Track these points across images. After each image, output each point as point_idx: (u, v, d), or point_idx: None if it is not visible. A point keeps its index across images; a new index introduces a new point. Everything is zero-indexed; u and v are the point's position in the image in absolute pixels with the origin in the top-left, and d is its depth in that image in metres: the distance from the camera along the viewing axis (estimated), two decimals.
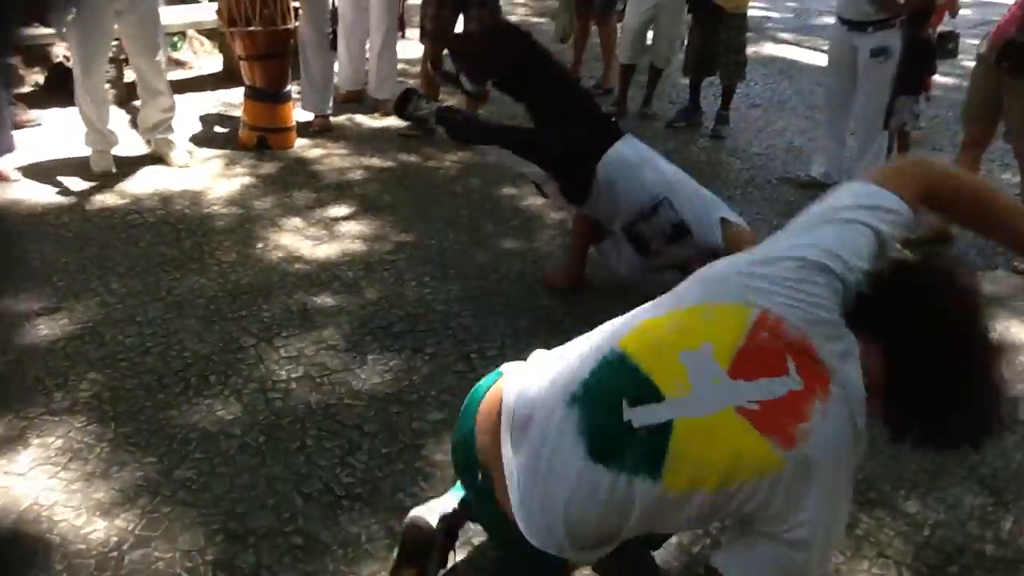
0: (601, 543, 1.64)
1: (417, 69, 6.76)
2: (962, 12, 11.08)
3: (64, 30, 4.18)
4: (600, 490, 1.54)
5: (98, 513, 2.27)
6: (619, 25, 6.42)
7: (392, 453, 2.57)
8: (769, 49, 8.70)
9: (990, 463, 2.75)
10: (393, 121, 5.58)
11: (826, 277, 1.51)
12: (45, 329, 3.07)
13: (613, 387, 1.57)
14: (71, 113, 4.66)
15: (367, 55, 5.78)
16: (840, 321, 1.50)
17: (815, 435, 1.46)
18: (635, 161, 3.32)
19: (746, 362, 1.49)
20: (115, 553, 2.14)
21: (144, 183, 4.36)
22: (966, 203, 1.67)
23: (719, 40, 5.64)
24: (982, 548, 2.41)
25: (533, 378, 1.71)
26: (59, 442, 2.51)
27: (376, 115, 5.64)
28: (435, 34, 5.27)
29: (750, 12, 9.26)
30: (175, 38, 6.38)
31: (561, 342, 3.15)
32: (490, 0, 5.20)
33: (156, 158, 4.62)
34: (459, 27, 5.33)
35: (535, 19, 9.22)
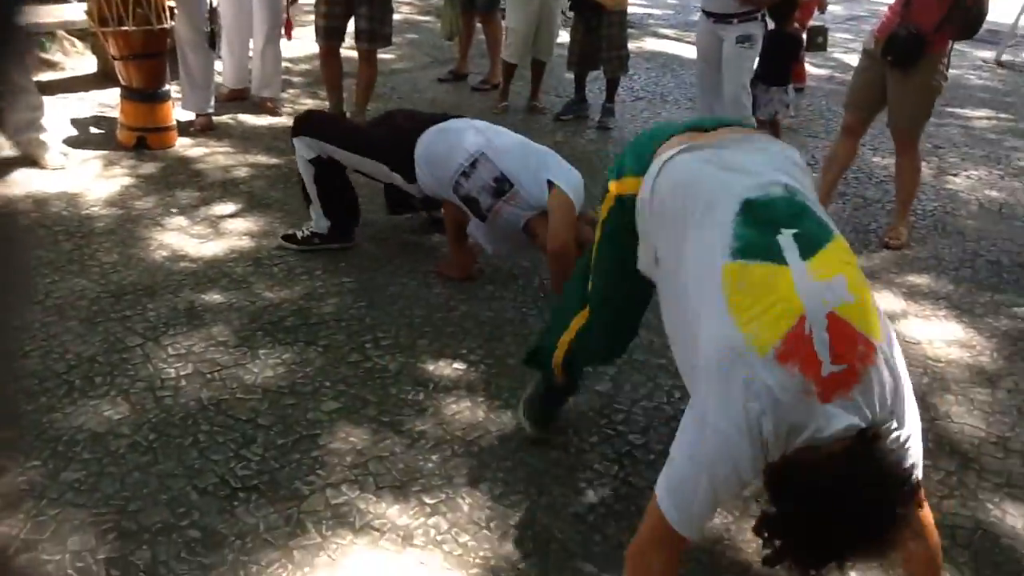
0: None
1: (300, 67, 6.72)
2: (831, 8, 11.63)
3: None
4: None
5: None
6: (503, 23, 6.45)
7: (287, 444, 2.55)
8: (651, 44, 8.92)
9: None
10: (278, 119, 5.52)
11: None
12: None
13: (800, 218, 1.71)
14: None
15: (251, 54, 5.71)
16: None
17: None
18: (452, 128, 3.52)
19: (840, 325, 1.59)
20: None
21: (16, 186, 4.18)
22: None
23: (601, 36, 5.77)
24: None
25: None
26: None
27: (262, 114, 5.56)
28: (327, 33, 5.23)
29: (632, 9, 9.51)
30: (43, 39, 6.14)
31: (456, 330, 3.22)
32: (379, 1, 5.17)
33: (29, 161, 4.44)
34: (351, 26, 5.28)
35: (420, 17, 9.24)
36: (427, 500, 2.38)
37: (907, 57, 4.09)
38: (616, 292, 2.30)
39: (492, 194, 3.30)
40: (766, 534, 1.57)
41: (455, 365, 3.03)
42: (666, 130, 2.09)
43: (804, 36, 7.11)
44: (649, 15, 10.59)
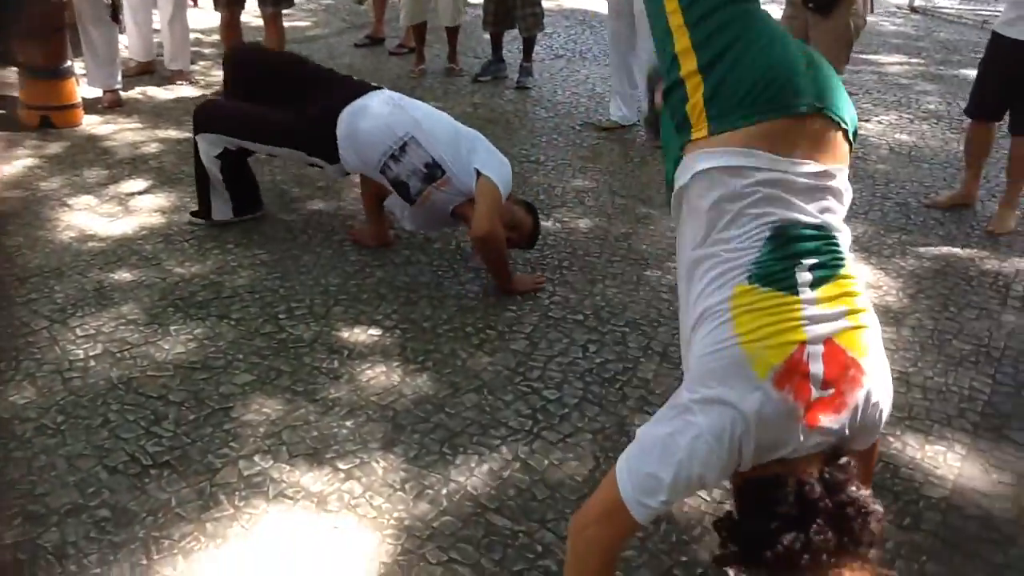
0: None
1: (211, 39, 6.58)
2: None
3: None
4: None
5: None
6: None
7: (199, 419, 2.54)
8: (569, 1, 8.90)
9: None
10: (189, 91, 5.42)
11: None
12: None
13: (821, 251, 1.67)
14: None
15: (157, 26, 5.59)
16: None
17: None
18: (378, 107, 3.38)
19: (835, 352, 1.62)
20: None
21: None
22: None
23: None
24: None
25: None
26: None
27: (171, 87, 5.45)
28: (228, 0, 5.14)
29: None
30: None
31: (371, 296, 3.22)
32: None
33: None
34: None
35: None
36: (341, 466, 2.39)
37: (826, 2, 4.19)
38: None
39: (422, 179, 3.28)
40: (724, 534, 1.64)
41: (370, 331, 3.04)
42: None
43: None
44: None
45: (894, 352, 3.10)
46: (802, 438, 1.59)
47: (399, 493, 2.32)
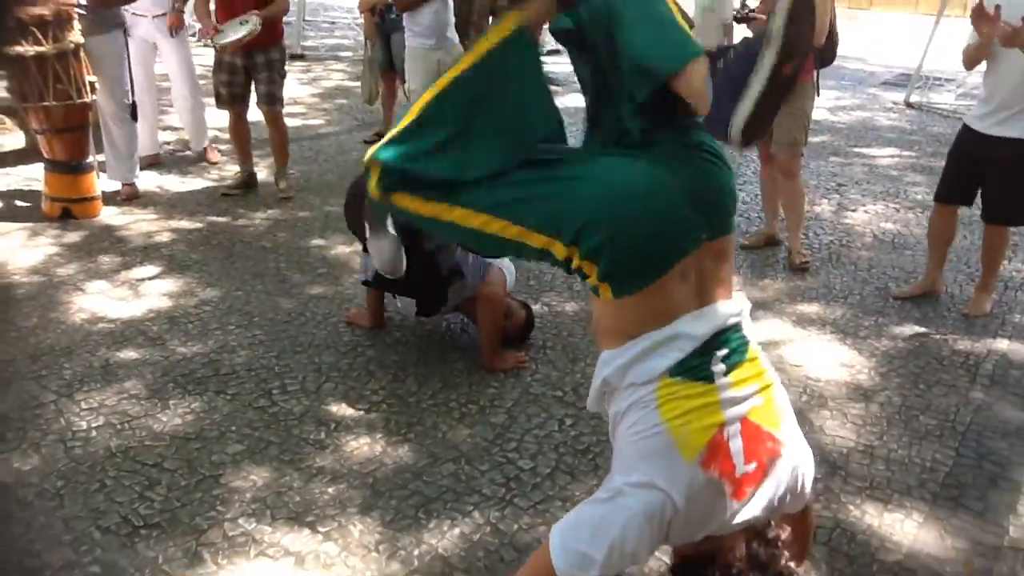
0: None
1: (226, 136, 6.92)
2: None
3: None
4: None
5: None
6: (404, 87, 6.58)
7: (190, 484, 2.71)
8: (576, 100, 9.23)
9: None
10: (201, 183, 5.72)
11: None
12: None
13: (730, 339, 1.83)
14: None
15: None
16: None
17: None
18: None
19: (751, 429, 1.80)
20: None
21: None
22: None
23: None
24: None
25: None
26: None
27: (184, 179, 5.77)
28: (228, 100, 5.49)
29: (558, 68, 9.82)
30: None
31: (361, 373, 3.39)
32: (276, 65, 5.45)
33: None
34: (253, 93, 5.56)
35: (351, 83, 9.51)
36: (320, 528, 2.54)
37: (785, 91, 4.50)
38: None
39: (445, 279, 3.56)
40: None
41: (358, 405, 3.21)
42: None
43: None
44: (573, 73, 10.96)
45: (861, 427, 3.23)
46: (729, 514, 1.73)
47: (373, 554, 2.45)
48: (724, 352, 1.81)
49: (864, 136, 8.04)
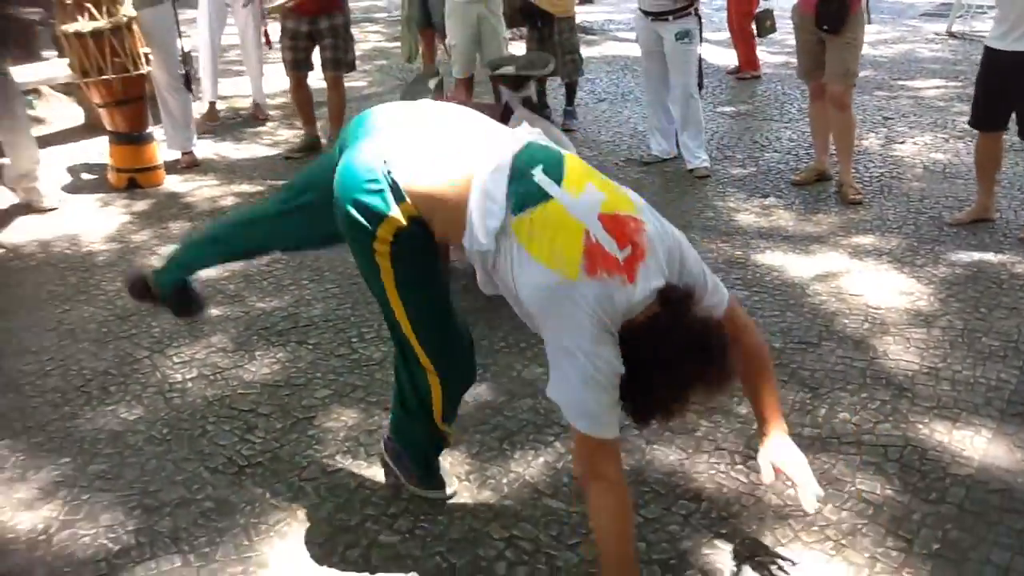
0: None
1: (277, 101, 7.06)
2: None
3: None
4: None
5: (22, 508, 2.50)
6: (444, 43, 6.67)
7: (286, 427, 2.86)
8: (611, 48, 9.27)
9: (809, 366, 3.20)
10: (258, 150, 5.85)
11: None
12: None
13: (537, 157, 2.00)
14: None
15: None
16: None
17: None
18: None
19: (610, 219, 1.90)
20: (43, 537, 2.38)
21: (21, 231, 4.52)
22: (751, 361, 2.20)
23: (554, 43, 6.11)
24: (800, 431, 2.83)
25: None
26: None
27: (239, 145, 5.92)
28: (292, 64, 5.61)
29: (592, 16, 9.86)
30: (31, 96, 6.48)
31: None
32: (340, 30, 5.55)
33: (26, 207, 4.78)
34: (316, 57, 5.68)
35: (388, 44, 9.59)
36: None
37: (839, 22, 4.62)
38: (431, 304, 2.25)
39: None
40: (626, 398, 1.93)
41: None
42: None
43: (753, 23, 7.49)
44: (609, 21, 10.96)
45: (924, 351, 3.30)
46: (634, 293, 1.86)
47: (464, 483, 2.59)
48: (539, 168, 1.95)
49: (908, 69, 7.97)
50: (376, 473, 2.63)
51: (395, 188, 1.99)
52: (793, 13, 4.98)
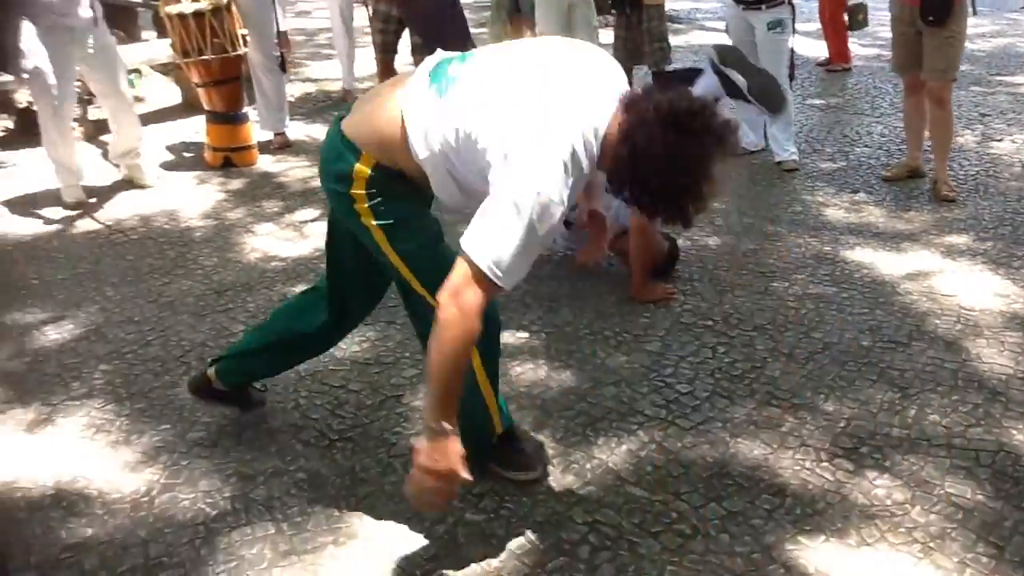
0: None
1: (364, 85, 7.17)
2: None
3: (26, 77, 4.49)
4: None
5: (127, 470, 2.62)
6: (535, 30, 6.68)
7: (375, 404, 2.94)
8: (698, 38, 9.18)
9: (899, 366, 3.16)
10: None
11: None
12: (54, 334, 3.41)
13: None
14: (40, 153, 4.98)
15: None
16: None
17: None
18: None
19: None
20: (146, 498, 2.50)
21: (122, 206, 4.71)
22: None
23: (642, 31, 6.08)
24: (889, 431, 2.80)
25: None
26: (83, 420, 2.87)
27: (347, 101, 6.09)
28: (380, 47, 5.70)
29: (679, 5, 9.77)
30: (131, 76, 6.69)
31: (518, 305, 3.56)
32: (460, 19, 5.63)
33: (128, 183, 4.96)
34: (405, 41, 5.76)
35: (476, 30, 9.62)
36: None
37: (944, 14, 4.51)
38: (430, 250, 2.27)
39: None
40: (657, 208, 1.98)
41: (518, 334, 3.39)
42: None
43: (846, 15, 7.34)
44: (696, 10, 10.84)
45: (1019, 354, 3.22)
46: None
47: (548, 467, 2.63)
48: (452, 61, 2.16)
49: (1007, 63, 7.73)
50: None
51: (350, 146, 2.14)
52: (891, 4, 4.87)
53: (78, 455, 2.71)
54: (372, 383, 3.06)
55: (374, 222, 2.18)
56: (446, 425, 1.98)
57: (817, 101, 6.76)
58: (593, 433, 2.79)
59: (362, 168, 2.13)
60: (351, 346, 3.29)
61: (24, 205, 4.74)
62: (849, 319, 3.48)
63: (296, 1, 11.42)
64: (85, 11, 4.50)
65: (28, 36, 4.39)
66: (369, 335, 3.37)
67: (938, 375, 3.09)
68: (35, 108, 5.48)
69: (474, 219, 1.94)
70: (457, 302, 1.91)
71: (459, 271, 1.93)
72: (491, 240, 1.90)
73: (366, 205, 2.16)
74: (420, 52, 5.69)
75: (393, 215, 2.18)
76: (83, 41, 4.53)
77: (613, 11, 6.44)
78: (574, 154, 1.92)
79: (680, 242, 4.08)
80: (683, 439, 2.77)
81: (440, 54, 2.23)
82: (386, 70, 5.83)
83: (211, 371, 2.70)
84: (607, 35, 6.86)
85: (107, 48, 4.71)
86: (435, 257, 2.23)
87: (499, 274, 1.90)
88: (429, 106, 2.07)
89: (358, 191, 2.14)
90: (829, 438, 2.78)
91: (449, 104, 2.04)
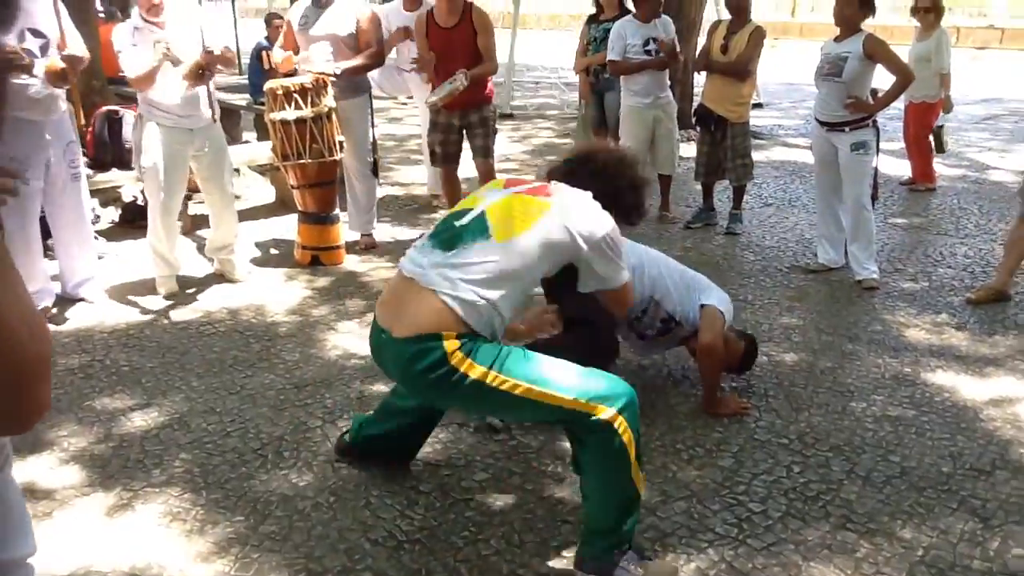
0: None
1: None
2: (969, 109, 11.71)
3: (143, 171, 4.77)
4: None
5: (199, 560, 2.68)
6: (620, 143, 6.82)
7: (445, 506, 2.96)
8: (780, 154, 9.25)
9: (981, 495, 3.06)
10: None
11: None
12: (139, 421, 3.53)
13: (447, 220, 2.66)
14: (140, 244, 5.24)
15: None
16: None
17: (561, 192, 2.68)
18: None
19: (513, 183, 2.74)
20: None
21: (212, 299, 4.90)
22: None
23: (726, 147, 6.18)
24: (970, 563, 2.71)
25: None
26: (161, 507, 2.95)
27: (433, 209, 6.24)
28: (444, 158, 5.92)
29: (763, 121, 9.91)
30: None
31: None
32: (489, 122, 5.82)
33: (220, 276, 5.18)
34: (466, 149, 5.96)
35: (559, 140, 9.90)
36: (565, 555, 2.71)
37: None
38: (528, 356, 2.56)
39: (660, 332, 3.71)
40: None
41: None
42: None
43: (931, 137, 7.37)
44: (779, 126, 10.95)
45: None
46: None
47: None
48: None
49: None
50: (528, 560, 2.68)
51: (422, 339, 2.43)
52: None
53: (154, 542, 2.78)
54: (443, 485, 3.09)
55: (473, 362, 2.39)
56: None
57: (900, 220, 6.72)
58: (662, 548, 2.76)
59: (449, 343, 2.39)
60: (424, 447, 3.33)
61: (122, 293, 4.97)
62: (929, 444, 3.40)
63: (389, 108, 11.90)
64: (205, 111, 4.79)
65: (150, 134, 4.68)
66: (441, 436, 3.42)
67: (1022, 507, 2.98)
68: (139, 202, 5.83)
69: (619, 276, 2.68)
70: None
71: (624, 299, 2.84)
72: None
73: (461, 352, 2.39)
74: (482, 155, 5.87)
75: (486, 347, 2.44)
76: (199, 141, 4.81)
77: (697, 127, 6.59)
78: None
79: (758, 358, 4.06)
80: (754, 560, 2.71)
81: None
82: (449, 178, 6.02)
83: None
84: (689, 149, 6.98)
85: (219, 147, 4.99)
86: (547, 361, 2.52)
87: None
88: (449, 270, 2.47)
89: (453, 350, 2.38)
90: (906, 567, 2.69)
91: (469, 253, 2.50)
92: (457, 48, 5.64)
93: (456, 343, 2.37)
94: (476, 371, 2.37)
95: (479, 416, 3.47)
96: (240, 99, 8.20)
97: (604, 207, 2.63)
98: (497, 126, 6.08)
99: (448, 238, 2.54)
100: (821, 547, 2.77)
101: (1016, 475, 3.19)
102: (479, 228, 2.51)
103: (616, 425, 2.45)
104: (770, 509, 2.98)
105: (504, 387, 2.39)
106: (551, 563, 2.68)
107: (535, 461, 3.25)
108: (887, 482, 3.14)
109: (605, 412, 2.43)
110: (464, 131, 5.89)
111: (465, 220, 2.56)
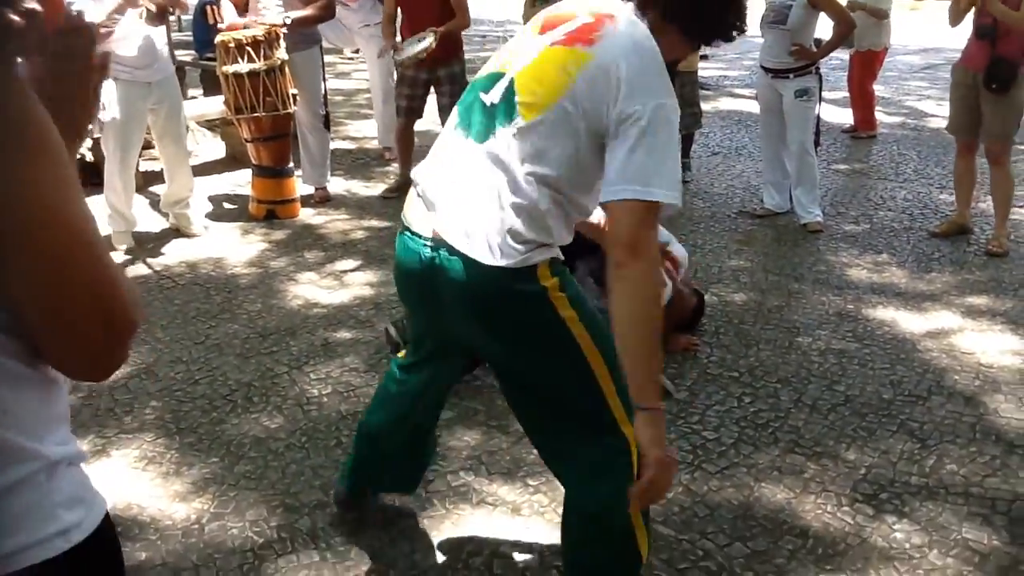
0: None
1: None
2: (908, 59, 11.93)
3: (102, 126, 4.74)
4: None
5: (177, 500, 2.76)
6: None
7: None
8: (726, 104, 9.40)
9: (918, 419, 3.26)
10: (385, 187, 6.19)
11: None
12: None
13: (473, 92, 2.02)
14: (94, 201, 5.21)
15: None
16: None
17: (607, 38, 1.86)
18: None
19: (549, 24, 1.96)
20: (196, 526, 2.64)
21: (170, 253, 4.92)
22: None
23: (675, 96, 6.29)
24: (908, 479, 2.90)
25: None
26: (136, 452, 3.02)
27: (368, 184, 6.26)
28: (406, 111, 5.93)
29: (709, 72, 10.03)
30: None
31: None
32: (458, 78, 5.82)
33: (176, 231, 5.19)
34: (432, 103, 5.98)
35: None
36: (531, 482, 2.85)
37: (1008, 83, 4.79)
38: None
39: None
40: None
41: None
42: None
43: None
44: (724, 76, 11.09)
45: None
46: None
47: None
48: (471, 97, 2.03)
49: None
50: (495, 490, 2.81)
51: (513, 273, 1.89)
52: (954, 70, 5.12)
53: (131, 484, 2.85)
54: None
55: (573, 312, 1.94)
56: (660, 403, 1.83)
57: (842, 166, 6.92)
58: None
59: (543, 272, 1.91)
60: None
61: None
62: (871, 373, 3.59)
63: (335, 64, 11.80)
64: (161, 66, 4.77)
65: (107, 89, 4.65)
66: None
67: (956, 428, 3.19)
68: (91, 159, 5.77)
69: (615, 166, 1.79)
70: (642, 253, 1.77)
71: (630, 220, 1.77)
72: (674, 180, 1.79)
73: (561, 294, 1.93)
74: (447, 113, 5.91)
75: (575, 290, 2.00)
76: (156, 94, 4.78)
77: None
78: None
79: (707, 297, 4.22)
80: (709, 482, 2.88)
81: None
82: (406, 129, 6.01)
83: None
84: None
85: (175, 101, 4.97)
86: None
87: (675, 194, 1.79)
88: (508, 149, 1.88)
89: (552, 290, 1.92)
90: (850, 484, 2.88)
91: (509, 137, 1.88)
92: (424, 0, 5.60)
93: (548, 270, 1.91)
94: (567, 312, 1.94)
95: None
96: (185, 55, 8.09)
97: (684, 30, 1.94)
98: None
99: (482, 128, 1.93)
100: (771, 469, 2.95)
101: (950, 399, 3.39)
102: (507, 108, 1.90)
103: (633, 450, 1.95)
104: (723, 436, 3.14)
105: (583, 343, 1.95)
106: (516, 492, 2.81)
107: (499, 399, 3.34)
108: (832, 409, 3.33)
109: (630, 431, 1.93)
110: (431, 86, 5.87)
111: (495, 95, 1.93)
